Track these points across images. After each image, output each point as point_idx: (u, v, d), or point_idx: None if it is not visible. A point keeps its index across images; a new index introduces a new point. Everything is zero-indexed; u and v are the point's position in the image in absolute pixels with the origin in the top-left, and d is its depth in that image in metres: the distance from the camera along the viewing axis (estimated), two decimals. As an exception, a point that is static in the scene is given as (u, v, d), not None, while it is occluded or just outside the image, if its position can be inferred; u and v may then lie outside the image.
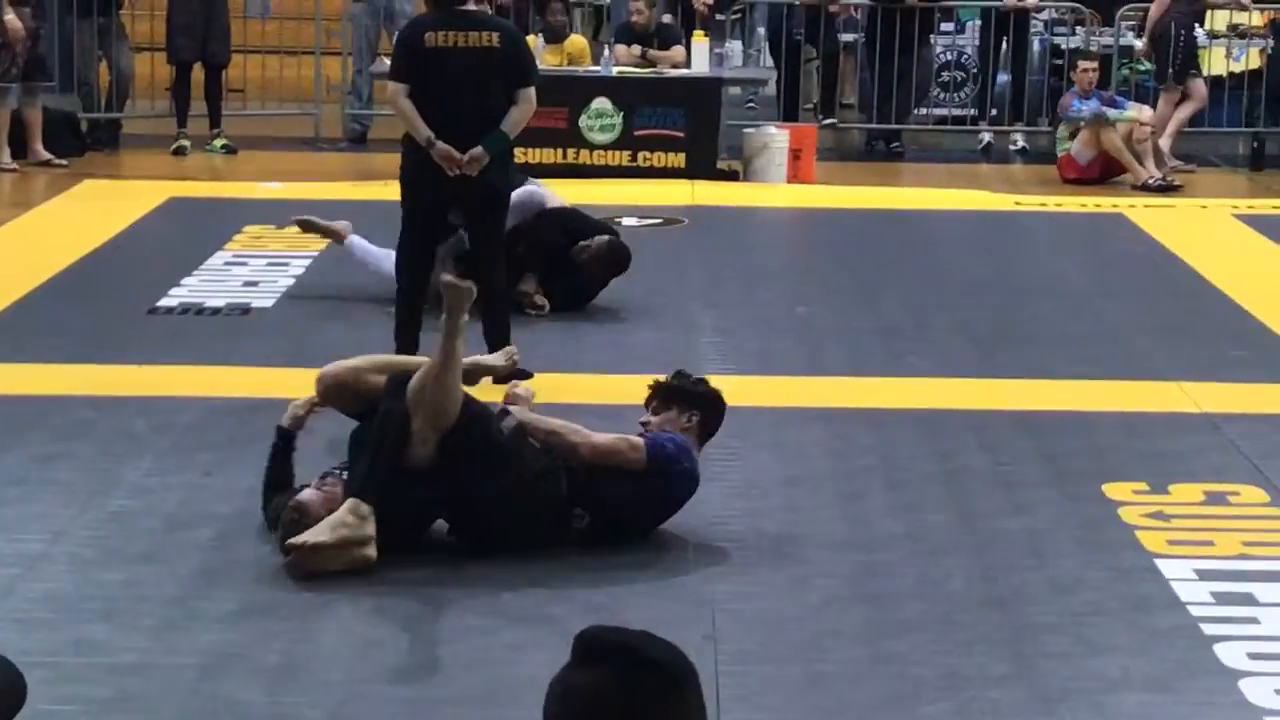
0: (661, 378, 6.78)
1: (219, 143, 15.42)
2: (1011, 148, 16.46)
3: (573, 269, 9.98)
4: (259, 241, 11.79)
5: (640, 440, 6.45)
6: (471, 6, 8.44)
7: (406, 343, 8.39)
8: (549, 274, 9.95)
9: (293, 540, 6.19)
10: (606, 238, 10.12)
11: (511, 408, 6.59)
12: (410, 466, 6.27)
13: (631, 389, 7.93)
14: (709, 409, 6.66)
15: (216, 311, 10.03)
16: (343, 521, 6.15)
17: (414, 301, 8.57)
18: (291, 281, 10.69)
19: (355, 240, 10.24)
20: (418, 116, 8.32)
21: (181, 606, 6.02)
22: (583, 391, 8.30)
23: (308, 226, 10.50)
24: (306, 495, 6.39)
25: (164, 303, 10.15)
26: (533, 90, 8.50)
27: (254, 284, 10.63)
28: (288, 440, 6.79)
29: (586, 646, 2.43)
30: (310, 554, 6.14)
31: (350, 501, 6.19)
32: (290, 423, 6.79)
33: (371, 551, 6.16)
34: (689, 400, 6.64)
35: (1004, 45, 16.66)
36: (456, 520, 6.49)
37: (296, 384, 8.39)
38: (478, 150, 8.29)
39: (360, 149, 15.94)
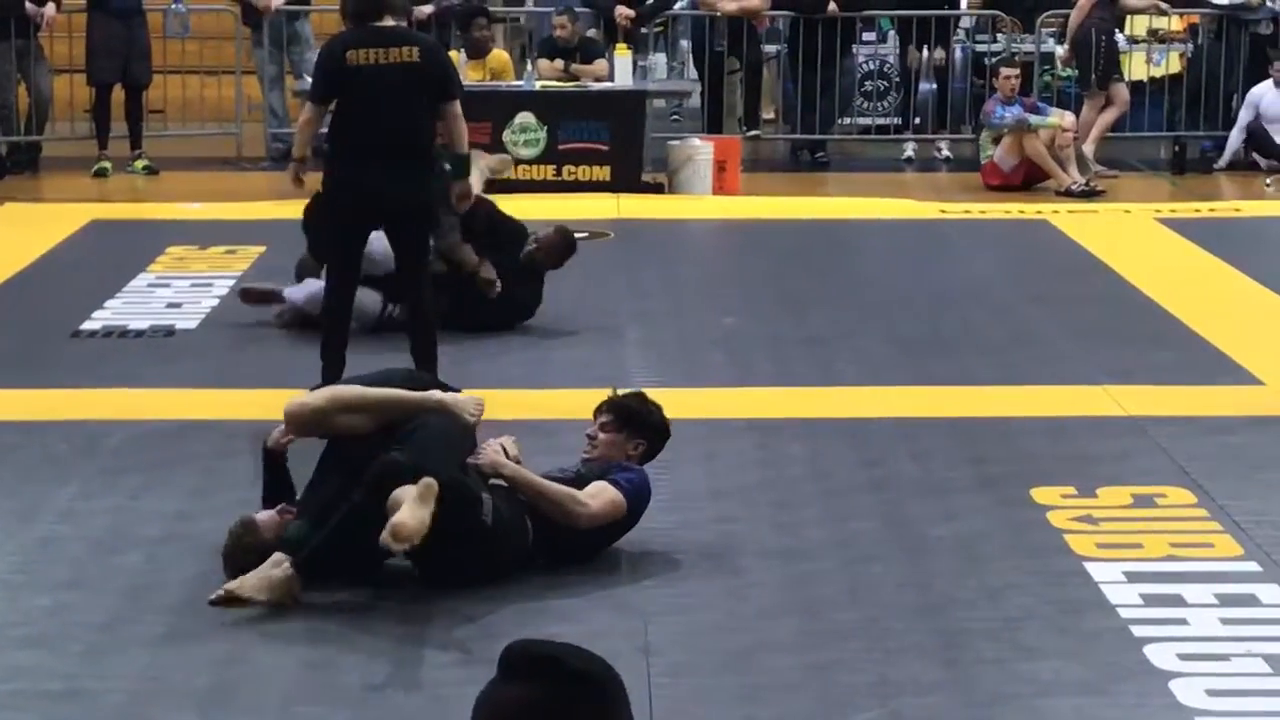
0: (620, 392, 6.75)
1: (140, 164, 15.34)
2: (937, 155, 16.52)
3: (520, 271, 9.93)
4: (182, 263, 11.73)
5: (621, 498, 6.44)
6: (389, 23, 8.41)
7: (332, 363, 8.32)
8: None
9: (226, 588, 6.09)
10: (551, 228, 10.18)
11: (500, 463, 6.39)
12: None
13: (559, 403, 7.94)
14: (657, 439, 6.71)
15: (140, 334, 9.96)
16: (274, 586, 6.07)
17: (339, 317, 8.51)
18: (215, 303, 10.63)
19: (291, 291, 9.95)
20: (309, 136, 8.41)
21: (110, 631, 5.97)
22: (510, 406, 8.27)
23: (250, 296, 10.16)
24: (261, 516, 6.36)
25: (87, 326, 10.08)
26: (458, 104, 8.48)
27: (178, 306, 10.57)
28: (274, 458, 6.69)
29: (513, 661, 2.41)
30: (231, 597, 6.10)
31: (292, 573, 6.08)
32: (273, 444, 6.68)
33: (294, 592, 6.10)
34: (642, 429, 6.66)
35: (924, 53, 16.71)
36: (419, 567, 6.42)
37: (222, 405, 8.38)
38: (463, 186, 8.63)
39: (283, 167, 15.86)
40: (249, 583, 6.07)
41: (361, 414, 6.36)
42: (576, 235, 10.54)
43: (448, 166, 8.72)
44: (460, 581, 6.27)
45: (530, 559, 6.41)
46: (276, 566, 6.08)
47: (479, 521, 6.20)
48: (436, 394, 6.50)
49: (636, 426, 6.65)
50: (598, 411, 6.71)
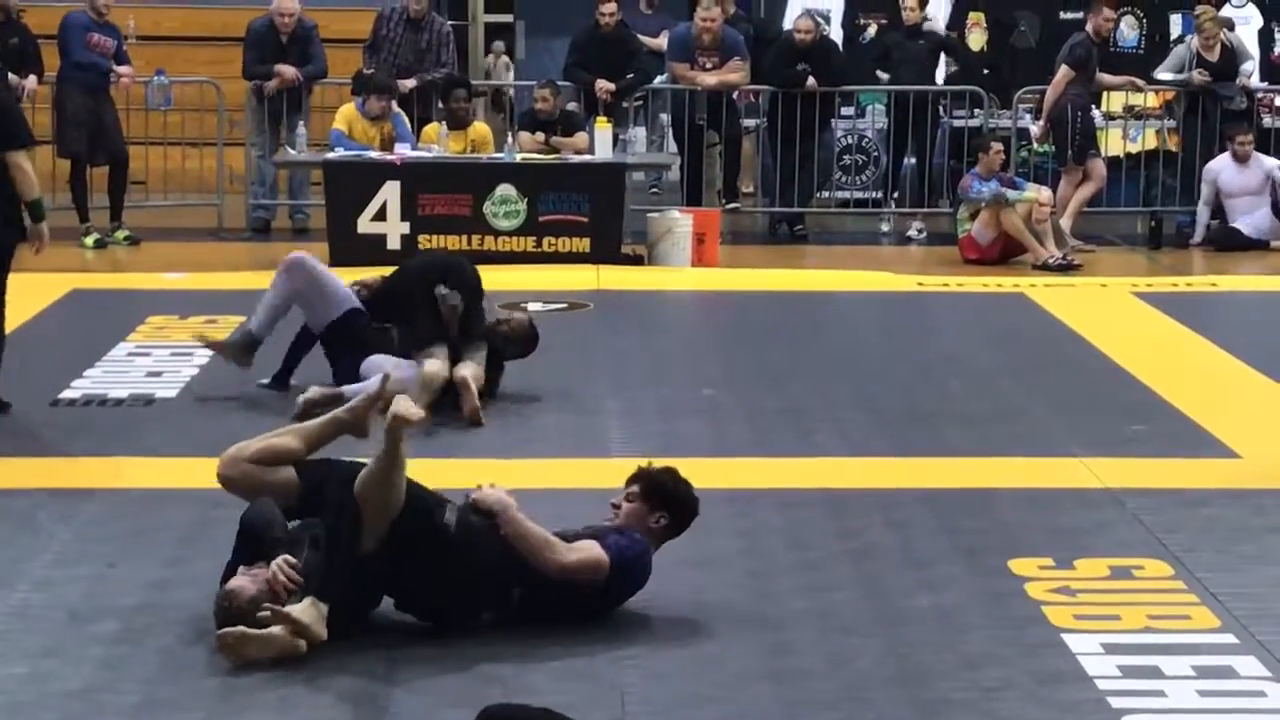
0: (652, 464, 6.73)
1: (121, 234, 15.39)
2: (913, 236, 16.45)
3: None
4: (162, 332, 11.73)
5: (603, 557, 6.44)
6: None
7: None
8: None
9: (232, 634, 6.16)
10: (526, 316, 10.19)
11: (490, 498, 6.50)
12: (362, 553, 6.27)
13: (538, 474, 7.92)
14: (682, 515, 6.67)
15: (120, 403, 9.95)
16: (301, 617, 6.14)
17: None
18: (195, 372, 10.62)
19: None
20: None
21: (85, 700, 5.94)
22: (491, 476, 8.24)
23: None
24: (236, 582, 6.36)
25: (66, 394, 10.07)
26: (19, 154, 9.14)
27: (157, 375, 10.56)
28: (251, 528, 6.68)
29: (490, 724, 2.42)
30: (241, 641, 6.13)
31: (309, 600, 6.16)
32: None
33: (304, 645, 6.16)
34: (667, 503, 6.62)
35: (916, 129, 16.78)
36: (400, 598, 6.48)
37: (201, 474, 8.32)
38: (35, 229, 9.35)
39: (265, 239, 15.94)
40: (256, 640, 6.13)
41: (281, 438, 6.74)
42: (556, 307, 10.60)
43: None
44: (437, 601, 6.35)
45: (508, 601, 6.42)
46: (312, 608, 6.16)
47: (440, 526, 6.31)
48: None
49: (661, 500, 6.62)
50: (628, 481, 6.68)
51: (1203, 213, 16.02)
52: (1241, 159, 15.87)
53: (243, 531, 6.57)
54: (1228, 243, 15.77)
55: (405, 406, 6.31)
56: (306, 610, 6.15)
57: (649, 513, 6.60)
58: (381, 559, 6.27)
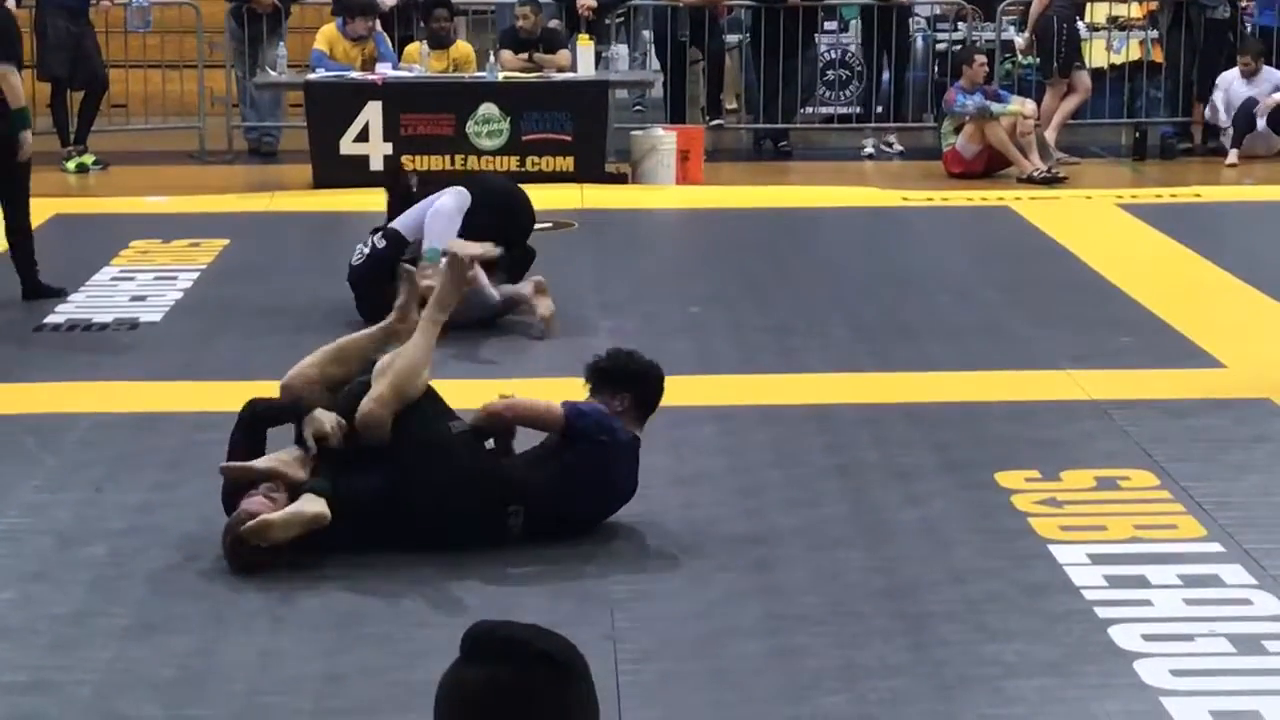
0: (599, 355, 6.76)
1: (89, 158, 15.32)
2: (887, 150, 16.42)
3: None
4: (146, 256, 11.70)
5: (556, 406, 6.56)
6: None
7: None
8: None
9: (263, 519, 6.24)
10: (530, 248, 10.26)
11: (487, 410, 6.67)
12: (364, 448, 6.39)
13: (525, 393, 7.90)
14: (640, 387, 6.64)
15: (104, 327, 9.94)
16: (305, 521, 6.24)
17: None
18: (180, 295, 10.61)
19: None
20: None
21: (76, 623, 5.96)
22: (476, 397, 8.25)
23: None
24: (254, 504, 6.35)
25: (51, 320, 10.05)
26: (9, 67, 10.03)
27: (142, 299, 10.54)
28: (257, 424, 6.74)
29: (476, 642, 2.42)
30: (264, 528, 6.19)
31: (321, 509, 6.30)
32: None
33: (324, 510, 6.26)
34: (617, 382, 6.62)
35: (890, 42, 16.72)
36: (396, 516, 6.48)
37: (187, 397, 8.37)
38: (25, 134, 10.12)
39: (249, 160, 15.89)
40: (280, 518, 6.22)
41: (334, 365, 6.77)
42: (541, 226, 10.63)
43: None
44: (435, 508, 6.37)
45: (502, 510, 6.46)
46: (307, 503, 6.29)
47: (446, 428, 6.48)
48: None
49: (612, 382, 6.63)
50: (585, 381, 6.75)
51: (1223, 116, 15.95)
52: (1246, 76, 15.86)
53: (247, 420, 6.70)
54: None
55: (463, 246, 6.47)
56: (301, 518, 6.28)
57: (611, 398, 6.62)
58: (388, 453, 6.36)
